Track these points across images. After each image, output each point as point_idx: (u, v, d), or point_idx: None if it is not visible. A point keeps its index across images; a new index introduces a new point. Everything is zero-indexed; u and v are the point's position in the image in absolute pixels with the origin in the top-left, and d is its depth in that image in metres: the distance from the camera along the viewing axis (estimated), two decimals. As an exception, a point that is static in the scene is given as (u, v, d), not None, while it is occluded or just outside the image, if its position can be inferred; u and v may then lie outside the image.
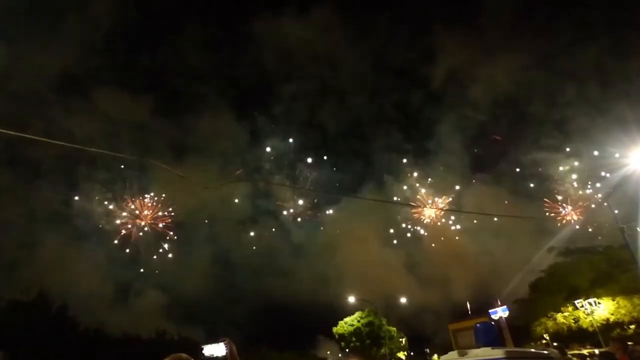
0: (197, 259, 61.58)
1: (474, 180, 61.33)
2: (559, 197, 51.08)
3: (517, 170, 59.07)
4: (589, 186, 50.44)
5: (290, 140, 63.78)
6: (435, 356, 54.65)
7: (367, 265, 60.31)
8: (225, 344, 3.56)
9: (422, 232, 59.04)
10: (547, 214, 49.87)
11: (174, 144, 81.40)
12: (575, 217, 48.66)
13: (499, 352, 6.42)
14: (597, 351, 22.75)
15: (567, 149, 52.98)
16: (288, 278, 60.00)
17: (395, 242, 62.22)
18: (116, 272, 54.49)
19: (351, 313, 43.15)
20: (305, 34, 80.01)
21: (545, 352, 9.71)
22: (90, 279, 49.91)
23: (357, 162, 78.63)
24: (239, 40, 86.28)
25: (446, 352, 8.17)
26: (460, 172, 61.87)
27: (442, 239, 56.96)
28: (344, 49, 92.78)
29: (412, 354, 61.33)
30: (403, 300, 46.47)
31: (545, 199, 51.59)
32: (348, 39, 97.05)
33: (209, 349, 3.64)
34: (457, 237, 58.35)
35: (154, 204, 48.30)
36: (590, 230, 42.46)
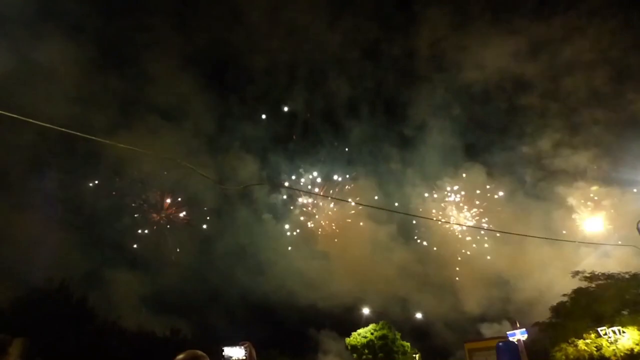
0: (199, 256, 60.96)
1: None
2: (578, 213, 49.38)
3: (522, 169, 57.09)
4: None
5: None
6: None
7: (373, 272, 58.74)
8: (245, 347, 3.37)
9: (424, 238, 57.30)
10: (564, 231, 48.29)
11: (130, 113, 73.86)
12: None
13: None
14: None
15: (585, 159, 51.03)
16: (288, 280, 57.67)
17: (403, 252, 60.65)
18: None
19: (360, 319, 42.72)
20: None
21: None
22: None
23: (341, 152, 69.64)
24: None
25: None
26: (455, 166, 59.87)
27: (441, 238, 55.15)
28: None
29: (425, 370, 60.23)
30: (418, 315, 45.80)
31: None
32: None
33: (228, 351, 3.45)
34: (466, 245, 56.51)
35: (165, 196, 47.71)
36: (617, 254, 40.85)
